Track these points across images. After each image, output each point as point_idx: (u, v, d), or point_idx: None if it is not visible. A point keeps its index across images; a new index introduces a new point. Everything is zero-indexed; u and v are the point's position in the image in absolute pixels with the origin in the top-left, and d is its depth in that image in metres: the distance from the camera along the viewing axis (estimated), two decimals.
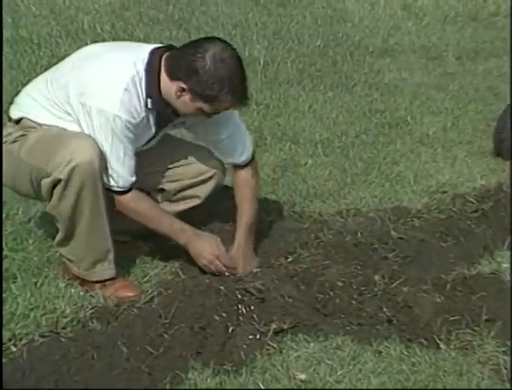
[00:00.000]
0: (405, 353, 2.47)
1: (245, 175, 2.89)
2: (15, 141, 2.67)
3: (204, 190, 2.89)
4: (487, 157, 3.92)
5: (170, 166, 2.87)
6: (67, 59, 2.73)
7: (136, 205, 2.68)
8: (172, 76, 2.57)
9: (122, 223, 2.78)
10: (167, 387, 2.32)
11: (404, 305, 2.65)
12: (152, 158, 2.81)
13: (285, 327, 2.59)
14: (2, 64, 4.50)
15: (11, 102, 2.80)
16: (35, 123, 2.66)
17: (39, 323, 2.55)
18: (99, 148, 2.54)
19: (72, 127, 2.60)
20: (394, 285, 2.76)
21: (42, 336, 2.50)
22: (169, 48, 2.66)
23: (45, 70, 2.81)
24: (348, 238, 3.06)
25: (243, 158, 2.87)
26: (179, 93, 2.57)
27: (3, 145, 2.70)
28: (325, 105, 4.46)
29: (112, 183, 2.61)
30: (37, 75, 2.86)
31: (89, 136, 2.55)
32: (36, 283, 2.75)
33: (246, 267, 2.82)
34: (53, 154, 2.54)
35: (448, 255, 3.03)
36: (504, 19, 6.00)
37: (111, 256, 2.72)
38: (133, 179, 2.64)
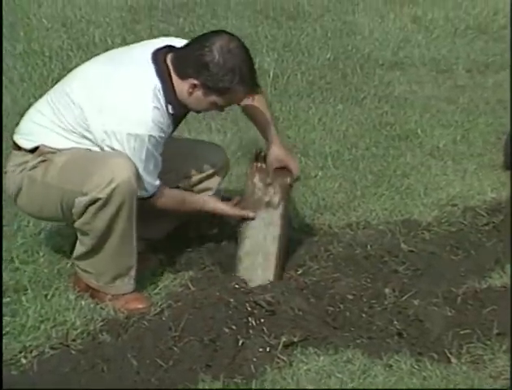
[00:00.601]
0: (416, 366, 2.46)
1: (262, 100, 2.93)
2: (34, 167, 2.65)
3: (215, 182, 2.99)
4: (497, 170, 3.91)
5: (181, 163, 2.92)
6: (67, 81, 2.71)
7: (165, 201, 2.72)
8: (182, 75, 2.59)
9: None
10: None
11: (414, 318, 2.65)
12: (164, 159, 2.83)
13: (295, 340, 2.58)
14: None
15: (22, 114, 2.81)
16: (54, 148, 2.65)
17: (49, 335, 2.56)
18: (135, 166, 2.57)
19: (93, 149, 2.62)
20: (404, 298, 2.75)
21: (52, 348, 2.50)
22: (169, 48, 2.66)
23: (56, 82, 2.82)
24: (358, 251, 3.05)
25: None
26: (191, 90, 2.59)
27: (20, 174, 2.68)
28: (335, 117, 4.46)
29: (143, 193, 2.65)
30: (48, 87, 2.88)
31: (124, 154, 2.56)
32: (46, 296, 2.76)
33: (294, 160, 2.95)
34: (89, 175, 2.53)
35: (459, 268, 3.02)
36: None
37: (133, 272, 2.73)
38: (160, 182, 2.70)
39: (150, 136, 2.56)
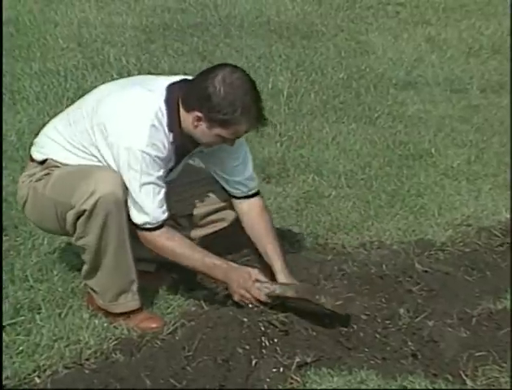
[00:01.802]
0: (431, 388, 2.44)
1: (259, 202, 2.89)
2: (39, 179, 2.70)
3: (231, 214, 2.91)
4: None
5: (197, 192, 2.89)
6: (85, 101, 2.75)
7: (166, 242, 2.64)
8: (188, 108, 2.59)
9: (147, 252, 2.79)
10: None
11: (429, 339, 2.62)
12: (180, 186, 2.83)
13: (309, 360, 2.57)
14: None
15: (37, 133, 2.84)
16: (60, 163, 2.69)
17: (63, 355, 2.56)
18: (121, 179, 2.55)
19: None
20: (419, 319, 2.73)
21: (66, 368, 2.50)
22: (184, 82, 2.67)
23: (72, 102, 2.85)
24: (372, 270, 3.04)
25: (254, 183, 2.89)
26: (196, 123, 2.58)
27: (28, 184, 2.73)
28: (348, 137, 4.46)
29: (142, 220, 2.59)
30: (63, 107, 2.91)
31: (111, 167, 2.57)
32: (60, 314, 2.77)
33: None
34: (75, 187, 2.56)
35: (473, 289, 3.00)
36: None
37: (135, 287, 2.72)
38: (165, 215, 2.62)
39: (144, 152, 2.52)
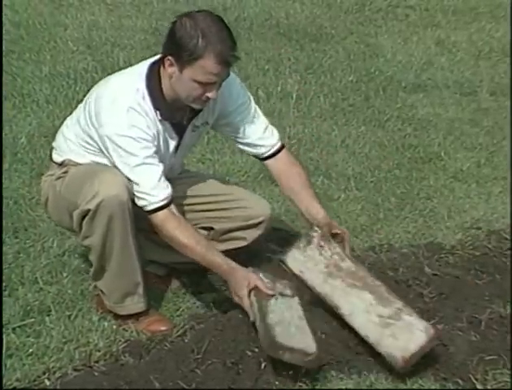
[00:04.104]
0: None
1: (286, 156, 2.88)
2: (58, 178, 2.74)
3: (252, 234, 2.88)
4: None
5: (221, 207, 2.87)
6: (86, 97, 2.77)
7: (172, 229, 2.58)
8: (163, 60, 2.57)
9: (160, 254, 2.80)
10: None
11: (439, 343, 2.61)
12: (202, 196, 2.85)
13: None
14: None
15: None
16: (75, 162, 2.73)
17: (72, 357, 2.57)
18: (126, 180, 2.56)
19: (106, 163, 2.65)
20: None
21: (75, 370, 2.51)
22: None
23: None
24: (383, 274, 3.03)
25: (273, 139, 2.86)
26: (170, 71, 2.54)
27: (49, 183, 2.77)
28: (358, 139, 4.45)
29: (144, 202, 2.57)
30: (73, 109, 2.91)
31: (117, 169, 2.57)
32: (69, 317, 2.78)
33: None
34: (82, 187, 2.58)
35: (483, 292, 2.98)
36: None
37: (141, 290, 2.72)
38: (165, 193, 2.58)
39: (126, 136, 2.52)
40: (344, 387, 2.47)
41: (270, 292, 2.58)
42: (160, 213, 2.58)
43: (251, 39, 5.99)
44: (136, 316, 2.76)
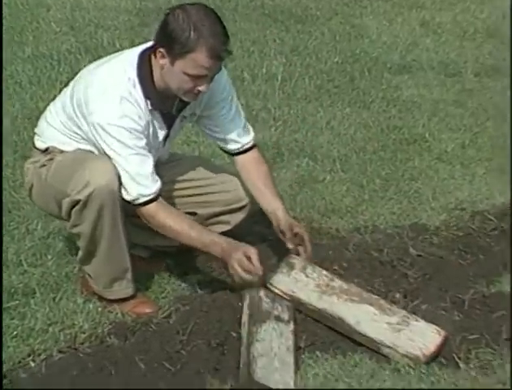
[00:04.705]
0: (424, 371, 2.45)
1: (256, 154, 2.89)
2: (43, 165, 2.71)
3: (235, 218, 2.89)
4: (506, 174, 3.89)
5: (204, 191, 2.87)
6: (71, 83, 2.73)
7: (164, 218, 2.59)
8: (154, 50, 2.55)
9: (143, 238, 2.80)
10: None
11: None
12: (185, 181, 2.84)
13: (302, 344, 2.58)
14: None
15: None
16: (61, 150, 2.70)
17: (57, 339, 2.57)
18: (117, 169, 2.54)
19: (93, 150, 2.63)
20: (414, 304, 2.75)
21: (60, 352, 2.52)
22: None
23: (65, 86, 2.83)
24: (368, 255, 3.05)
25: (248, 138, 2.87)
26: (161, 63, 2.52)
27: (33, 170, 2.74)
28: (343, 121, 4.45)
29: (133, 196, 2.56)
30: (56, 91, 2.89)
31: (107, 157, 2.55)
32: (54, 299, 2.77)
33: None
34: (71, 176, 2.55)
35: (467, 273, 3.01)
36: None
37: (129, 275, 2.72)
38: (157, 185, 2.59)
39: (119, 127, 2.50)
40: (329, 369, 2.48)
41: (259, 272, 2.56)
42: (152, 205, 2.58)
43: (236, 20, 5.96)
44: (121, 299, 2.75)
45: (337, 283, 2.75)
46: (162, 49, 2.51)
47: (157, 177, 2.59)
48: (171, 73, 2.52)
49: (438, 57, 5.53)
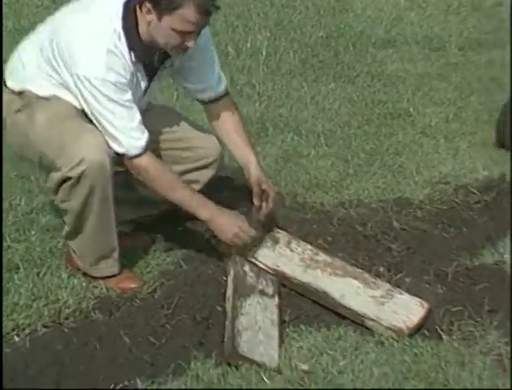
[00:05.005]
0: (407, 343, 2.47)
1: (228, 103, 2.86)
2: (18, 111, 2.62)
3: (205, 175, 2.87)
4: (489, 148, 3.91)
5: (173, 146, 2.83)
6: (48, 23, 2.63)
7: (154, 169, 2.58)
8: (140, 4, 2.50)
9: (126, 212, 2.78)
10: (170, 377, 2.33)
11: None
12: (160, 133, 2.80)
13: (287, 318, 2.59)
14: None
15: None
16: (37, 95, 2.61)
17: (42, 314, 2.56)
18: (109, 147, 2.51)
19: (68, 97, 2.56)
20: (398, 277, 2.76)
21: (45, 327, 2.51)
22: None
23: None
24: (353, 229, 3.06)
25: (222, 86, 2.85)
26: (148, 19, 2.49)
27: (6, 112, 2.64)
28: (327, 96, 4.44)
29: (124, 148, 2.53)
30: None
31: (100, 132, 2.51)
32: (38, 274, 2.76)
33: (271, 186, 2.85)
34: (63, 148, 2.50)
35: (450, 246, 3.03)
36: (508, 9, 5.97)
37: (116, 254, 2.71)
38: (146, 136, 2.56)
39: (105, 80, 2.46)
40: (313, 341, 2.49)
41: (252, 233, 2.62)
42: (144, 157, 2.56)
43: None
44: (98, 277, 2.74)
45: (322, 257, 2.76)
46: (148, 5, 2.47)
47: (144, 128, 2.57)
48: (159, 29, 2.49)
49: (422, 31, 5.53)
